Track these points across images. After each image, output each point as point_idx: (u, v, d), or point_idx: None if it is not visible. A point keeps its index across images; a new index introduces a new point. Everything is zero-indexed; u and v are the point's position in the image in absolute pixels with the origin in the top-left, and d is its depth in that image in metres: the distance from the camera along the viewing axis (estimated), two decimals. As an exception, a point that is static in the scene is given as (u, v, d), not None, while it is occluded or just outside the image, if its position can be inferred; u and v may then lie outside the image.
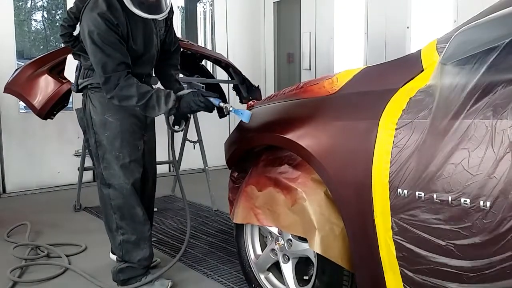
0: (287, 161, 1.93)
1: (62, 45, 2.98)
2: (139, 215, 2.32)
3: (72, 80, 2.51)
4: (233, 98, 4.51)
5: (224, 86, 4.54)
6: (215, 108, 2.24)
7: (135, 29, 2.20)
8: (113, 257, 2.61)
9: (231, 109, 2.18)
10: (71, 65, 2.98)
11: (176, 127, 2.43)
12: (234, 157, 2.29)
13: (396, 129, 1.40)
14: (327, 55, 5.25)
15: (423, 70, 1.49)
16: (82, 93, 2.39)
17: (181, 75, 4.43)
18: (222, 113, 4.15)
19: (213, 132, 5.11)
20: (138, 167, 2.33)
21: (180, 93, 2.27)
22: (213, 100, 2.21)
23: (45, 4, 6.15)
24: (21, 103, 4.10)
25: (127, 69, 2.13)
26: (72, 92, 2.47)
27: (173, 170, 5.25)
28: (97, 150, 2.30)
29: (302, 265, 1.94)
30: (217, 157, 3.99)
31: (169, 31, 2.46)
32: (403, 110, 1.41)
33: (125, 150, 2.28)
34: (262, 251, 2.14)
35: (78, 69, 2.39)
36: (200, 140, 3.94)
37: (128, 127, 2.29)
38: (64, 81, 3.48)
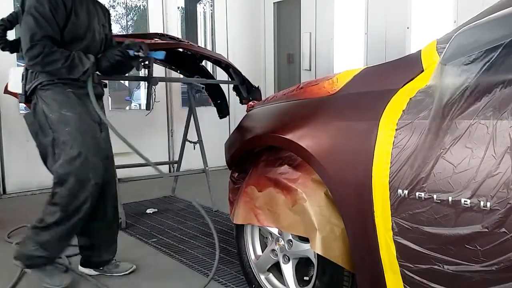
0: (287, 162, 1.93)
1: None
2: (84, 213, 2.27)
3: None
4: (233, 99, 4.52)
5: (224, 87, 4.55)
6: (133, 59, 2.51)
7: (79, 7, 2.31)
8: (83, 269, 2.57)
9: (147, 54, 2.54)
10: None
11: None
12: (234, 157, 2.28)
13: (396, 129, 1.40)
14: (327, 55, 5.25)
15: (423, 71, 1.49)
16: (30, 99, 2.33)
17: (181, 76, 4.44)
18: (222, 113, 4.20)
19: (213, 132, 5.11)
20: (100, 163, 2.30)
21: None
22: (128, 50, 2.48)
23: (45, 5, 6.14)
24: (21, 104, 4.09)
25: (52, 42, 2.20)
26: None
27: (174, 170, 5.26)
28: (54, 148, 2.25)
29: (302, 265, 1.94)
30: (217, 157, 3.99)
31: (110, 31, 2.62)
32: (403, 110, 1.41)
33: (89, 144, 2.26)
34: (262, 252, 2.14)
35: (24, 77, 2.34)
36: (200, 141, 3.94)
37: (87, 121, 2.31)
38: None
